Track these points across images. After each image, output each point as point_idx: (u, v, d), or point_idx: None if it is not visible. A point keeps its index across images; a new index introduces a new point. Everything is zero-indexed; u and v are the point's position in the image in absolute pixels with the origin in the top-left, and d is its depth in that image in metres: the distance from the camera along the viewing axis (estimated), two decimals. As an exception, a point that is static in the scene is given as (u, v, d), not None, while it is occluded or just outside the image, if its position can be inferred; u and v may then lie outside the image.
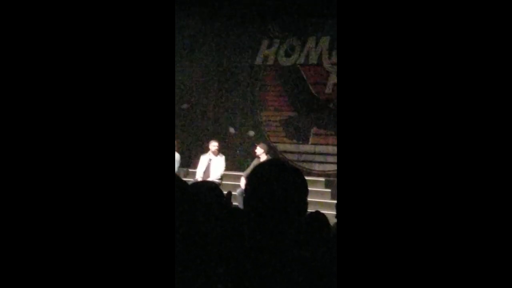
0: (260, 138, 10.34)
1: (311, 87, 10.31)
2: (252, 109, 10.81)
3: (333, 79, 9.78)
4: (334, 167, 9.11)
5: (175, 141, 8.94)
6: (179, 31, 10.78)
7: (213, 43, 10.91)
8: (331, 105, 9.77)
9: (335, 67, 9.55)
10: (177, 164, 8.86)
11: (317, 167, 9.96)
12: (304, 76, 10.39)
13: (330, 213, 5.21)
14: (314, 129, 10.21)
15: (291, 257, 1.38)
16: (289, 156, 10.24)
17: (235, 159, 10.27)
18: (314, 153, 10.13)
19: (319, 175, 9.60)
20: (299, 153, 10.29)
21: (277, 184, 1.46)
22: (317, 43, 10.26)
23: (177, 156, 8.91)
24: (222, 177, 8.81)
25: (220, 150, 9.03)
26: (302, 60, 10.43)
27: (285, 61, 10.60)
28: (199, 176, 8.75)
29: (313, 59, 10.31)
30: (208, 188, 2.43)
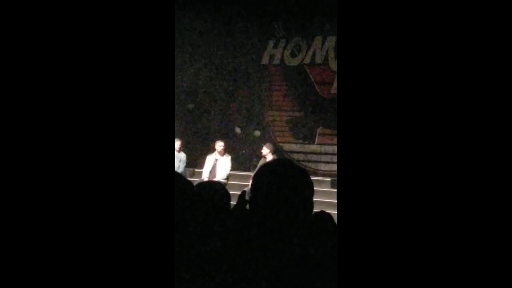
0: (266, 138, 10.34)
1: (317, 87, 10.30)
2: (258, 109, 10.81)
3: (339, 79, 9.76)
4: (340, 167, 9.07)
5: (180, 141, 8.99)
6: (185, 31, 10.81)
7: (219, 43, 10.91)
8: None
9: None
10: (183, 164, 8.88)
11: (323, 167, 9.95)
12: (310, 76, 10.38)
13: (336, 213, 5.19)
14: (320, 129, 10.20)
15: (296, 257, 1.38)
16: (295, 156, 10.23)
17: (241, 159, 10.28)
18: (320, 153, 10.12)
19: (325, 175, 9.59)
20: (305, 153, 10.28)
21: (283, 184, 1.46)
22: (323, 43, 10.25)
23: (182, 156, 8.93)
24: (228, 177, 8.82)
25: (226, 150, 9.04)
26: (308, 60, 10.42)
27: (291, 61, 10.59)
28: (205, 176, 8.76)
29: (319, 59, 10.30)
30: (214, 188, 2.44)
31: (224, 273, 1.36)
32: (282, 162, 1.61)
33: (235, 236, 1.45)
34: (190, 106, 11.17)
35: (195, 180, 8.02)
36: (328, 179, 9.36)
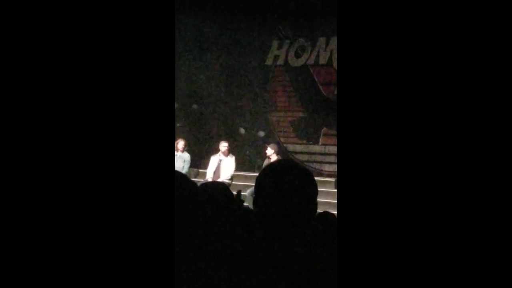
0: (270, 139, 10.34)
1: (321, 88, 10.30)
2: (262, 110, 10.81)
3: (343, 79, 9.74)
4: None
5: (183, 141, 8.99)
6: (189, 32, 10.82)
7: (224, 44, 10.92)
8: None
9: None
10: (187, 165, 8.88)
11: (327, 168, 9.94)
12: (314, 77, 10.38)
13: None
14: (324, 130, 10.19)
15: (299, 258, 1.38)
16: (299, 157, 10.22)
17: (245, 159, 10.28)
18: (324, 154, 10.11)
19: (329, 176, 9.58)
20: (309, 153, 10.27)
21: (287, 185, 1.46)
22: (327, 44, 10.24)
23: (186, 156, 8.94)
24: (232, 178, 8.82)
25: (230, 151, 9.04)
26: (312, 61, 10.42)
27: (295, 62, 10.59)
28: (209, 177, 8.77)
29: (323, 60, 10.30)
30: (217, 188, 2.44)
31: (226, 274, 1.36)
32: (286, 163, 1.61)
33: (238, 236, 1.45)
34: (195, 106, 11.18)
35: (199, 180, 8.02)
36: (332, 179, 9.34)
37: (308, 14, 10.13)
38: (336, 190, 8.83)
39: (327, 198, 8.09)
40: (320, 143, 10.24)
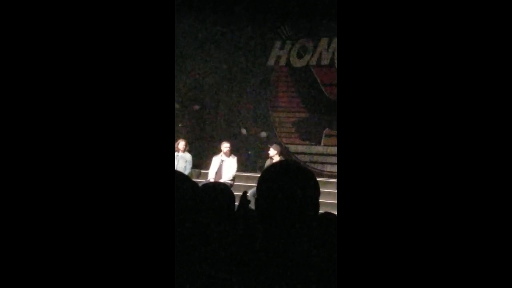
0: (272, 139, 10.34)
1: (323, 88, 10.30)
2: (264, 110, 10.81)
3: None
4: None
5: (184, 141, 9.00)
6: (191, 32, 10.83)
7: (226, 44, 10.92)
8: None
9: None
10: (189, 165, 8.89)
11: (329, 169, 9.94)
12: (316, 77, 10.38)
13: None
14: (326, 130, 10.20)
15: (300, 258, 1.38)
16: (301, 157, 10.22)
17: (247, 160, 10.29)
18: (326, 154, 10.11)
19: (331, 177, 9.57)
20: (311, 154, 10.27)
21: (289, 185, 1.46)
22: (329, 44, 10.24)
23: (188, 156, 8.94)
24: (234, 178, 8.82)
25: (232, 151, 9.04)
26: (314, 61, 10.42)
27: (297, 62, 10.59)
28: (211, 177, 8.77)
29: (325, 60, 10.30)
30: (219, 189, 2.44)
31: (226, 274, 1.36)
32: (288, 164, 1.60)
33: (239, 237, 1.45)
34: (196, 107, 11.19)
35: (201, 181, 8.02)
36: (334, 180, 9.34)
37: (310, 14, 10.14)
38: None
39: (328, 199, 8.09)
40: (322, 144, 10.24)
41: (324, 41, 10.30)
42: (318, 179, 1.53)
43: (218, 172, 8.84)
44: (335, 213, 3.20)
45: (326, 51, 10.29)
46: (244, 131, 10.88)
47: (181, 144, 8.97)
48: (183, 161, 8.83)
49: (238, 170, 8.99)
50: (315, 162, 10.12)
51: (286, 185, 1.46)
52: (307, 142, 10.42)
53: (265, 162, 9.04)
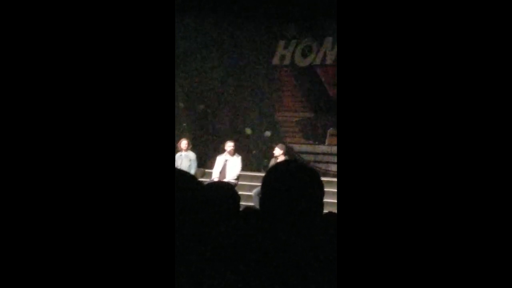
0: (277, 139, 10.34)
1: (327, 88, 10.28)
2: (269, 110, 10.81)
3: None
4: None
5: (186, 140, 9.00)
6: (195, 32, 10.83)
7: (230, 44, 10.92)
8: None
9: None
10: (194, 164, 8.88)
11: (333, 168, 9.92)
12: (321, 77, 10.37)
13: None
14: (330, 130, 10.18)
15: (304, 258, 1.38)
16: (305, 157, 10.22)
17: (251, 159, 10.29)
18: (330, 154, 10.10)
19: (335, 176, 9.56)
20: (315, 153, 10.26)
21: (293, 185, 1.46)
22: (333, 44, 10.23)
23: (192, 155, 8.94)
24: (238, 178, 8.82)
25: (236, 151, 9.04)
26: (318, 61, 10.40)
27: (301, 62, 10.58)
28: (215, 177, 8.77)
29: (329, 60, 10.29)
30: (223, 188, 2.44)
31: (230, 274, 1.36)
32: (292, 163, 1.60)
33: (243, 237, 1.45)
34: (201, 106, 11.19)
35: (205, 180, 8.02)
36: (339, 180, 9.31)
37: (315, 13, 10.12)
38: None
39: (333, 199, 8.08)
40: (326, 143, 10.23)
41: (328, 41, 10.29)
42: (322, 178, 1.53)
43: (222, 172, 8.83)
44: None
45: (330, 50, 10.28)
46: (248, 130, 10.88)
47: (183, 143, 8.96)
48: (187, 160, 8.83)
49: (243, 169, 8.99)
50: (319, 162, 10.11)
51: (291, 184, 1.46)
52: (311, 141, 10.41)
53: (269, 162, 9.03)
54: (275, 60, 10.80)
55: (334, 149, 10.03)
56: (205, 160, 10.10)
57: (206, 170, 9.78)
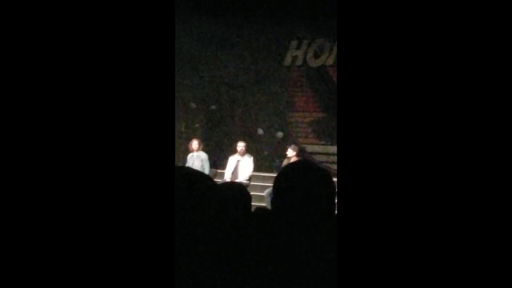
0: (289, 139, 10.33)
1: (340, 88, 10.25)
2: (281, 110, 10.80)
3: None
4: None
5: (197, 141, 9.02)
6: (207, 32, 10.85)
7: (242, 44, 10.93)
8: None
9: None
10: (206, 163, 8.90)
11: (345, 169, 9.88)
12: (333, 77, 10.34)
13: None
14: (343, 131, 10.15)
15: (316, 258, 1.38)
16: (318, 158, 10.20)
17: (263, 160, 10.29)
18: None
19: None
20: (328, 154, 10.24)
21: (306, 185, 1.46)
22: (346, 44, 10.18)
23: (203, 155, 8.96)
24: (250, 178, 8.82)
25: (248, 151, 9.03)
26: (330, 61, 10.38)
27: (313, 62, 10.56)
28: (227, 177, 8.79)
29: (342, 60, 10.24)
30: (234, 189, 2.44)
31: (241, 273, 1.36)
32: (304, 164, 1.60)
33: (254, 237, 1.45)
34: (213, 107, 11.21)
35: (217, 180, 8.03)
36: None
37: (327, 14, 10.10)
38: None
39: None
40: (338, 144, 10.20)
41: (341, 41, 10.25)
42: (334, 179, 1.53)
43: (234, 172, 8.84)
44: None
45: (343, 51, 10.24)
46: (260, 131, 10.88)
47: (194, 143, 8.99)
48: (198, 160, 8.85)
49: (254, 170, 8.99)
50: (331, 162, 10.08)
51: (303, 185, 1.46)
52: (323, 142, 10.39)
53: (282, 162, 9.02)
54: (287, 61, 10.80)
55: (347, 149, 9.99)
56: (217, 161, 10.12)
57: (218, 171, 9.80)
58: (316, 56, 10.55)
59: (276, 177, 1.55)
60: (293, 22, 10.52)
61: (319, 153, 10.35)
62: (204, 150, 9.14)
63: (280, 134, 10.74)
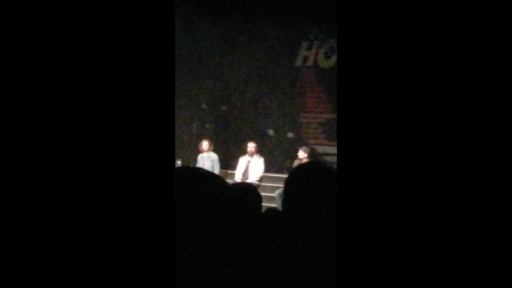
0: (299, 140, 10.32)
1: (351, 89, 10.23)
2: (291, 111, 10.80)
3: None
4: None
5: (207, 141, 9.04)
6: (218, 32, 10.88)
7: (253, 45, 10.94)
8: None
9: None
10: (216, 164, 8.91)
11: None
12: (344, 78, 10.31)
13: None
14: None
15: (327, 259, 1.37)
16: (329, 158, 10.18)
17: (274, 161, 10.28)
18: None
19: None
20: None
21: (316, 186, 1.46)
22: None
23: (214, 156, 8.97)
24: (261, 179, 8.82)
25: (258, 151, 9.03)
26: (342, 62, 10.36)
27: (324, 63, 10.55)
28: (238, 178, 8.79)
29: (353, 61, 10.22)
30: (245, 189, 2.44)
31: (249, 273, 1.36)
32: (315, 165, 1.60)
33: (265, 237, 1.45)
34: (223, 108, 11.23)
35: (228, 181, 8.04)
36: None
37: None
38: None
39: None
40: (349, 145, 10.18)
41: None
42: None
43: (245, 173, 8.85)
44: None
45: (354, 51, 10.22)
46: (271, 132, 10.88)
47: (204, 144, 9.01)
48: (209, 161, 8.87)
49: (265, 170, 8.99)
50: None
51: (314, 185, 1.46)
52: (334, 143, 10.37)
53: (293, 163, 9.02)
54: (298, 62, 10.79)
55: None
56: (227, 162, 10.13)
57: (229, 171, 9.81)
58: (327, 57, 10.53)
59: (287, 178, 1.55)
60: (304, 23, 10.52)
61: (329, 154, 10.33)
62: (214, 150, 9.16)
63: (290, 135, 10.74)
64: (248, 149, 8.90)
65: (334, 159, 10.16)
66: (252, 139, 9.46)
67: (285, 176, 1.55)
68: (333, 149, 10.35)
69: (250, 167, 8.84)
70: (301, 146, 9.19)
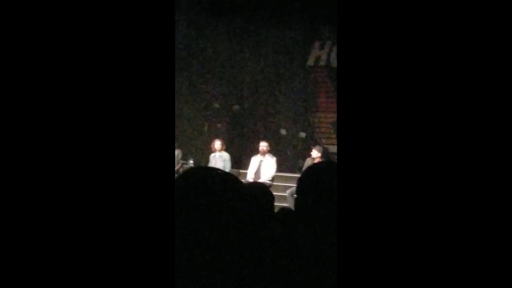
0: (312, 140, 10.30)
1: (363, 89, 10.19)
2: (303, 111, 10.78)
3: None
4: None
5: (220, 141, 9.06)
6: (230, 34, 10.88)
7: (265, 45, 10.93)
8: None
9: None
10: (228, 164, 8.94)
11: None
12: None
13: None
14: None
15: (330, 259, 1.37)
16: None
17: (286, 160, 10.27)
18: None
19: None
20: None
21: (329, 185, 1.46)
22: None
23: (226, 155, 9.00)
24: (273, 178, 8.82)
25: (270, 151, 9.03)
26: (354, 62, 10.32)
27: (337, 63, 10.52)
28: (250, 177, 8.80)
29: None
30: (257, 189, 2.44)
31: (259, 273, 1.36)
32: (327, 164, 1.60)
33: (278, 236, 1.45)
34: (236, 107, 11.24)
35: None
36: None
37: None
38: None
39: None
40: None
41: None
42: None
43: (257, 172, 8.85)
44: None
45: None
46: (283, 131, 10.87)
47: (217, 143, 9.04)
48: (221, 160, 8.89)
49: (277, 170, 8.98)
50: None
51: (326, 185, 1.46)
52: (346, 142, 10.33)
53: (305, 163, 9.01)
54: (310, 61, 10.77)
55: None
56: (240, 161, 10.14)
57: (241, 171, 9.83)
58: (340, 56, 10.50)
59: (299, 177, 1.55)
60: (316, 23, 10.49)
61: (342, 154, 10.29)
62: (226, 150, 9.18)
63: (302, 135, 10.72)
64: (260, 148, 8.91)
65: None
66: (264, 139, 9.47)
67: (297, 175, 1.55)
68: (345, 149, 10.31)
69: (262, 167, 8.84)
70: (315, 146, 9.18)
